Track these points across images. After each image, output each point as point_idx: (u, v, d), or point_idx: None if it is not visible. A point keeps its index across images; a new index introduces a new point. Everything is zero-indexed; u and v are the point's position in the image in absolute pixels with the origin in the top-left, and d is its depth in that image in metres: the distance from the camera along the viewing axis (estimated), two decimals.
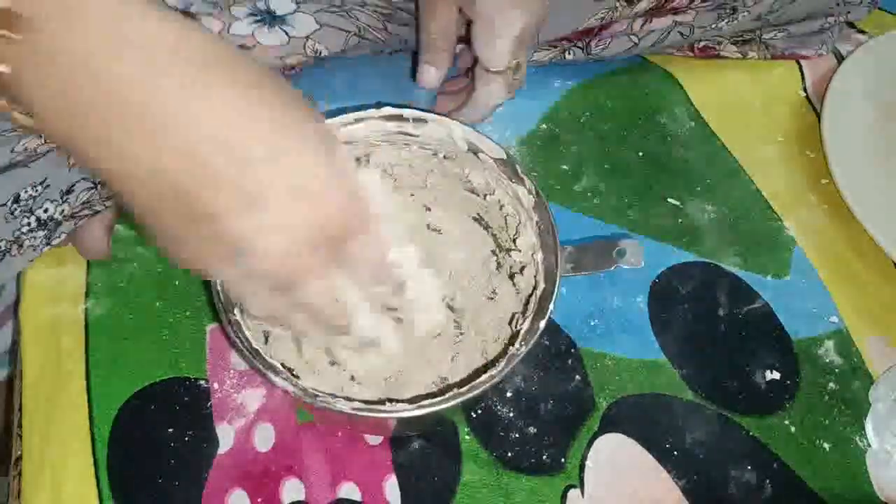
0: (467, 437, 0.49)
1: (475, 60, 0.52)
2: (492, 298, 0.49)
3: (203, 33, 0.29)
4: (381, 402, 0.41)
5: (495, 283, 0.50)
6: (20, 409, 0.48)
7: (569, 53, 0.61)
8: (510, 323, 0.47)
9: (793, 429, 0.51)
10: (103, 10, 0.27)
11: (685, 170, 0.62)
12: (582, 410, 0.50)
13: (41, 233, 0.49)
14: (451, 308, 0.49)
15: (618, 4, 0.57)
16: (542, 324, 0.41)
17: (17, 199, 0.46)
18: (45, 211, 0.48)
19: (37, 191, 0.47)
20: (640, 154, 0.62)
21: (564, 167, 0.60)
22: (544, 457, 0.48)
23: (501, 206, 0.49)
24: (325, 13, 0.54)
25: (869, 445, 0.51)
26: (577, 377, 0.51)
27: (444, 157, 0.49)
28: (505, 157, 0.46)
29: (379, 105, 0.47)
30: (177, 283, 0.52)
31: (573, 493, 0.48)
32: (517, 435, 0.49)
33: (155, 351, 0.50)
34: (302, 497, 0.46)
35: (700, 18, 0.60)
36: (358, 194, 0.33)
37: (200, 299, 0.52)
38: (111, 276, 0.52)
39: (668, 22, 0.60)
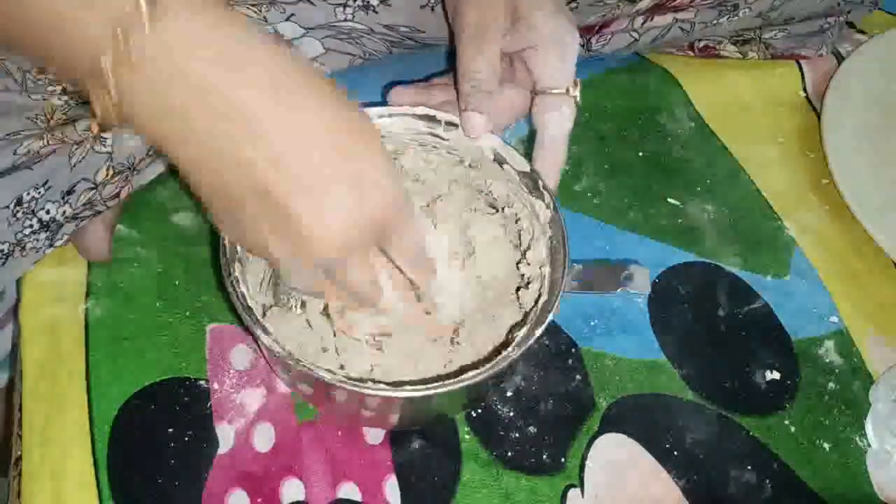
0: (467, 436, 0.49)
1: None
2: (493, 317, 0.49)
3: (293, 55, 0.34)
4: (363, 379, 0.41)
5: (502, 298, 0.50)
6: (20, 409, 0.48)
7: None
8: (507, 333, 0.47)
9: (793, 429, 0.51)
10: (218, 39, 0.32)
11: (685, 170, 0.62)
12: (582, 410, 0.50)
13: (43, 235, 0.49)
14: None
15: (619, 3, 0.57)
16: (539, 331, 0.41)
17: (19, 202, 0.46)
18: (47, 212, 0.48)
19: (39, 192, 0.47)
20: (640, 154, 0.62)
21: (564, 167, 0.60)
22: (544, 456, 0.48)
23: (517, 220, 0.49)
24: (332, 39, 0.54)
25: (869, 445, 0.51)
26: (578, 377, 0.51)
27: (470, 164, 0.49)
28: (529, 170, 0.47)
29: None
30: (177, 283, 0.52)
31: (573, 493, 0.48)
32: (517, 435, 0.49)
33: (155, 351, 0.50)
34: (302, 497, 0.46)
35: (701, 15, 0.60)
36: (402, 187, 0.37)
37: (200, 299, 0.52)
38: (111, 276, 0.52)
39: (668, 19, 0.60)
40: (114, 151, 0.50)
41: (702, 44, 0.66)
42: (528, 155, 0.48)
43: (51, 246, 0.50)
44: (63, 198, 0.48)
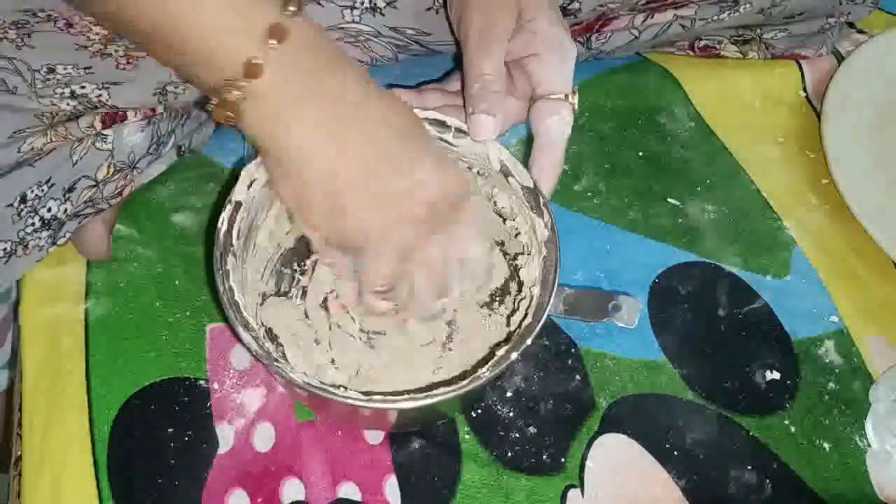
0: (467, 436, 0.49)
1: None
2: (488, 327, 0.49)
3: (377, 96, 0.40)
4: (336, 386, 0.41)
5: (494, 313, 0.50)
6: (20, 409, 0.48)
7: None
8: (492, 347, 0.47)
9: (793, 429, 0.51)
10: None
11: (685, 170, 0.62)
12: (582, 410, 0.50)
13: (45, 233, 0.49)
14: (448, 323, 0.49)
15: None
16: (514, 355, 0.41)
17: (23, 199, 0.46)
18: (49, 210, 0.48)
19: (42, 190, 0.47)
20: (640, 154, 0.62)
21: (564, 167, 0.60)
22: (544, 457, 0.48)
23: (517, 234, 0.49)
24: (340, 43, 0.54)
25: (869, 445, 0.51)
26: (578, 377, 0.51)
27: (479, 172, 0.49)
28: (532, 185, 0.47)
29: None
30: (177, 283, 0.52)
31: (573, 493, 0.48)
32: (517, 435, 0.49)
33: (155, 351, 0.50)
34: (302, 497, 0.46)
35: (702, 12, 0.60)
36: (465, 174, 0.44)
37: (200, 299, 0.52)
38: (111, 276, 0.52)
39: (669, 16, 0.60)
40: (114, 149, 0.50)
41: (702, 44, 0.66)
42: (526, 156, 0.48)
43: (53, 244, 0.50)
44: (64, 195, 0.49)
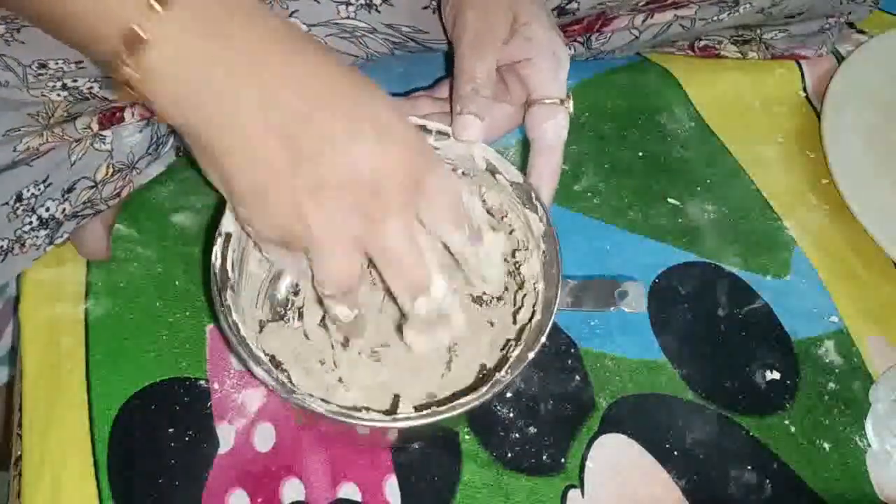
0: (467, 437, 0.49)
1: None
2: (491, 323, 0.49)
3: (313, 53, 0.35)
4: (357, 409, 0.41)
5: (493, 309, 0.50)
6: (20, 409, 0.48)
7: (569, 48, 0.62)
8: (502, 349, 0.47)
9: (793, 429, 0.51)
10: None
11: (685, 170, 0.62)
12: (582, 410, 0.50)
13: (43, 232, 0.49)
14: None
15: None
16: (531, 355, 0.41)
17: (19, 198, 0.46)
18: (47, 210, 0.48)
19: (39, 189, 0.47)
20: (640, 154, 0.62)
21: (564, 167, 0.60)
22: (544, 457, 0.48)
23: (512, 231, 0.49)
24: (335, 38, 0.54)
25: (869, 445, 0.51)
26: (577, 377, 0.51)
27: (463, 173, 0.49)
28: (521, 181, 0.46)
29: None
30: (177, 283, 0.52)
31: (573, 494, 0.48)
32: (517, 435, 0.49)
33: (155, 351, 0.50)
34: (302, 497, 0.46)
35: (702, 12, 0.60)
36: (427, 143, 0.38)
37: (200, 299, 0.52)
38: (111, 276, 0.52)
39: (669, 16, 0.60)
40: (113, 150, 0.50)
41: (702, 44, 0.66)
42: (524, 158, 0.48)
43: (50, 244, 0.50)
44: (63, 195, 0.49)
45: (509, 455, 0.48)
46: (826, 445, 0.51)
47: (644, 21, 0.60)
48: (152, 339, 0.50)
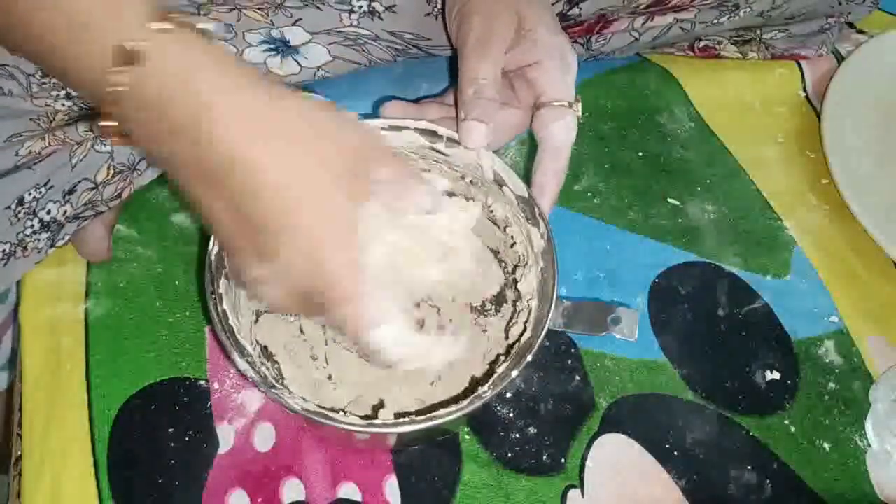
0: (467, 437, 0.49)
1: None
2: (485, 331, 0.49)
3: (261, 96, 0.35)
4: (336, 410, 0.41)
5: (490, 319, 0.50)
6: (20, 409, 0.48)
7: None
8: (491, 363, 0.47)
9: (793, 429, 0.51)
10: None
11: (685, 170, 0.62)
12: (582, 410, 0.50)
13: (45, 235, 0.49)
14: (440, 328, 0.49)
15: None
16: (515, 373, 0.41)
17: (20, 202, 0.46)
18: (48, 212, 0.48)
19: (40, 192, 0.47)
20: (640, 154, 0.62)
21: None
22: (544, 457, 0.48)
23: (513, 245, 0.49)
24: (338, 46, 0.54)
25: (869, 445, 0.51)
26: (577, 377, 0.51)
27: (471, 182, 0.49)
28: (527, 195, 0.46)
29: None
30: (177, 283, 0.52)
31: (573, 494, 0.48)
32: (517, 435, 0.49)
33: (155, 351, 0.50)
34: (302, 497, 0.46)
35: (702, 15, 0.60)
36: (375, 134, 0.39)
37: (200, 299, 0.52)
38: (111, 276, 0.52)
39: (669, 19, 0.60)
40: (114, 151, 0.50)
41: (702, 44, 0.66)
42: (524, 158, 0.48)
43: (52, 246, 0.50)
44: (64, 197, 0.49)
45: (509, 455, 0.48)
46: (826, 445, 0.51)
47: (644, 23, 0.60)
48: (152, 340, 0.50)
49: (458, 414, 0.40)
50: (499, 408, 0.50)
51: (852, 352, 0.55)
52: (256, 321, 0.47)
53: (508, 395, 0.50)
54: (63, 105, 0.46)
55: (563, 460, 0.48)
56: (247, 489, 0.46)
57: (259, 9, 0.50)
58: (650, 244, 0.58)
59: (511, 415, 0.50)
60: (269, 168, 0.34)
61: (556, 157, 0.47)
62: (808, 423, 0.52)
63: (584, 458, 0.49)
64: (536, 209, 0.46)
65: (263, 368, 0.41)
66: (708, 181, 0.62)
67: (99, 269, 0.53)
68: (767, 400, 0.52)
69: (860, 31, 0.70)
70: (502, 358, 0.45)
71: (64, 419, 0.47)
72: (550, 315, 0.42)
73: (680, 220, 0.59)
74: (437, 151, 0.47)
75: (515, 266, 0.49)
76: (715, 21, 0.61)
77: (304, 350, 0.47)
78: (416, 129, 0.47)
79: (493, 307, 0.50)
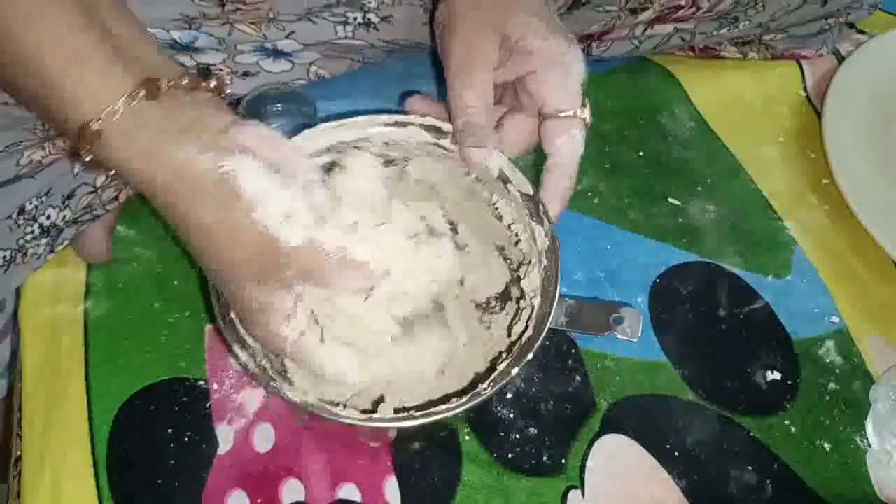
0: (467, 437, 0.49)
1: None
2: (489, 328, 0.49)
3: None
4: (335, 404, 0.41)
5: (494, 316, 0.50)
6: (20, 409, 0.48)
7: None
8: (493, 360, 0.47)
9: (793, 429, 0.51)
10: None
11: (685, 170, 0.62)
12: (582, 411, 0.50)
13: (44, 240, 0.49)
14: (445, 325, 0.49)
15: (621, 14, 0.57)
16: (515, 371, 0.41)
17: (21, 210, 0.46)
18: (48, 217, 0.48)
19: (41, 200, 0.47)
20: (640, 154, 0.62)
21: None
22: (545, 458, 0.48)
23: (517, 242, 0.49)
24: (331, 52, 0.54)
25: (869, 445, 0.51)
26: (578, 378, 0.51)
27: (476, 178, 0.48)
28: (531, 192, 0.46)
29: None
30: (176, 283, 0.52)
31: (574, 494, 0.47)
32: (517, 436, 0.49)
33: (154, 351, 0.50)
34: (302, 497, 0.46)
35: (702, 26, 0.60)
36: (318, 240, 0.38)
37: (200, 300, 0.52)
38: (111, 277, 0.52)
39: (669, 29, 0.60)
40: None
41: (702, 44, 0.66)
42: (529, 156, 0.48)
43: (51, 251, 0.50)
44: (63, 202, 0.48)
45: (510, 455, 0.48)
46: (826, 445, 0.51)
47: (644, 31, 0.60)
48: (151, 340, 0.50)
49: (457, 409, 0.40)
50: (499, 408, 0.50)
51: (853, 352, 0.55)
52: None
53: (509, 395, 0.50)
54: None
55: (563, 461, 0.48)
56: (246, 490, 0.46)
57: (252, 23, 0.49)
58: (651, 244, 0.58)
59: (511, 415, 0.50)
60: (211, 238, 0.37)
61: (561, 174, 0.46)
62: (808, 423, 0.52)
63: (584, 459, 0.49)
64: (541, 207, 0.46)
65: (265, 362, 0.41)
66: (708, 181, 0.62)
67: (98, 269, 0.53)
68: (768, 400, 0.52)
69: (860, 31, 0.70)
70: (504, 355, 0.45)
71: (63, 419, 0.47)
72: (552, 313, 0.42)
73: (680, 220, 0.59)
74: (442, 147, 0.47)
75: (520, 263, 0.49)
76: (714, 32, 0.61)
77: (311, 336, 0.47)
78: (420, 125, 0.47)
79: (498, 304, 0.50)
